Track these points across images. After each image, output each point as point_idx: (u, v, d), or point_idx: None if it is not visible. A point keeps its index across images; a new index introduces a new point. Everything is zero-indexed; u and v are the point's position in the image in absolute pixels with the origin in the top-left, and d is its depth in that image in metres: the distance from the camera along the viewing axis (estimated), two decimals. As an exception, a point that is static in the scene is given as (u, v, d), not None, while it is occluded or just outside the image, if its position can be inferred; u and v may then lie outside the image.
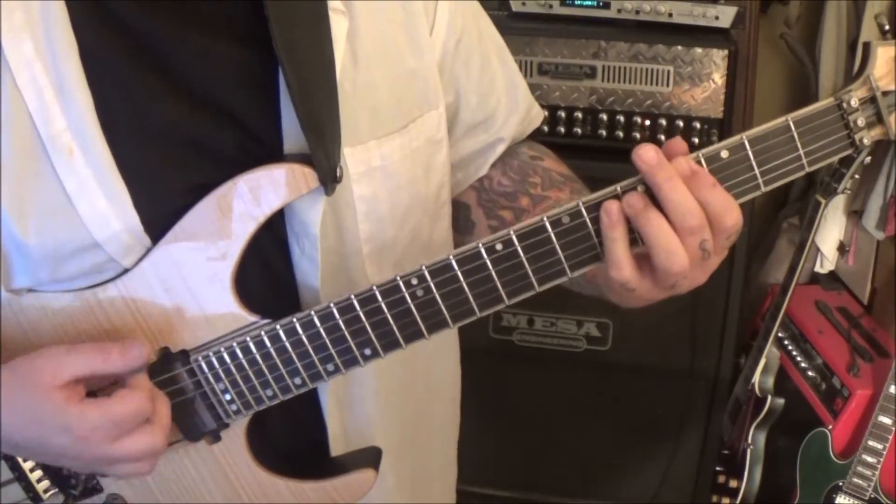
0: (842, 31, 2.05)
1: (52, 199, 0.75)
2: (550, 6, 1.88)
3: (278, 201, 0.79)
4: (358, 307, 0.78)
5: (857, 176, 1.76)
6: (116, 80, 0.76)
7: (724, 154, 0.74)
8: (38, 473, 0.86)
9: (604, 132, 1.87)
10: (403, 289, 0.77)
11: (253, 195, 0.78)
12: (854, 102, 0.74)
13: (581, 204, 0.74)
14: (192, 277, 0.80)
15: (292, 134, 0.80)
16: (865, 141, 0.77)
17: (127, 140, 0.76)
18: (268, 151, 0.80)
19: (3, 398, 0.74)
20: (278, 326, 0.80)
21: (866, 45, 0.76)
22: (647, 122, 1.85)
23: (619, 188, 0.74)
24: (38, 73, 0.73)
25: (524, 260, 0.76)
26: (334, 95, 0.81)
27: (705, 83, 1.82)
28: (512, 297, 0.77)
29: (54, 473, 0.86)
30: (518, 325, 2.05)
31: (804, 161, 0.75)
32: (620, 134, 1.86)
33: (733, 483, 1.97)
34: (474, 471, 2.13)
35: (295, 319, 0.80)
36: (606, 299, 0.85)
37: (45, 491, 0.87)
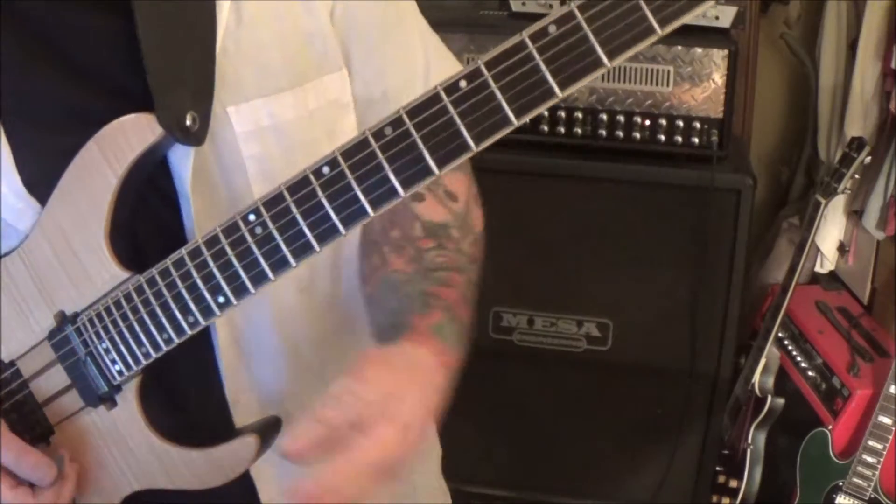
0: (842, 31, 2.05)
1: None
2: (550, 6, 1.88)
3: (131, 154, 0.80)
4: (204, 250, 0.78)
5: (857, 176, 1.76)
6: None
7: (552, 29, 0.69)
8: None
9: (604, 132, 1.87)
10: (241, 225, 0.76)
11: (110, 150, 0.80)
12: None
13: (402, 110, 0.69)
14: (73, 239, 0.83)
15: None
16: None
17: (10, 109, 0.79)
18: (140, 111, 0.81)
19: None
20: (141, 279, 0.81)
21: None
22: (647, 122, 1.85)
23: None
24: None
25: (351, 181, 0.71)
26: (209, 53, 0.82)
27: (705, 83, 1.82)
28: (347, 225, 0.73)
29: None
30: (518, 325, 2.05)
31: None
32: (620, 134, 1.86)
33: (733, 483, 1.97)
34: (474, 471, 2.13)
35: (154, 271, 0.80)
36: None
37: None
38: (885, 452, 1.66)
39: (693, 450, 2.08)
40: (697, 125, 1.84)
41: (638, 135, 1.85)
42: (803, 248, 1.81)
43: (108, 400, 0.86)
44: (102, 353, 0.84)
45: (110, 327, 0.83)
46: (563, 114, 1.87)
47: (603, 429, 2.11)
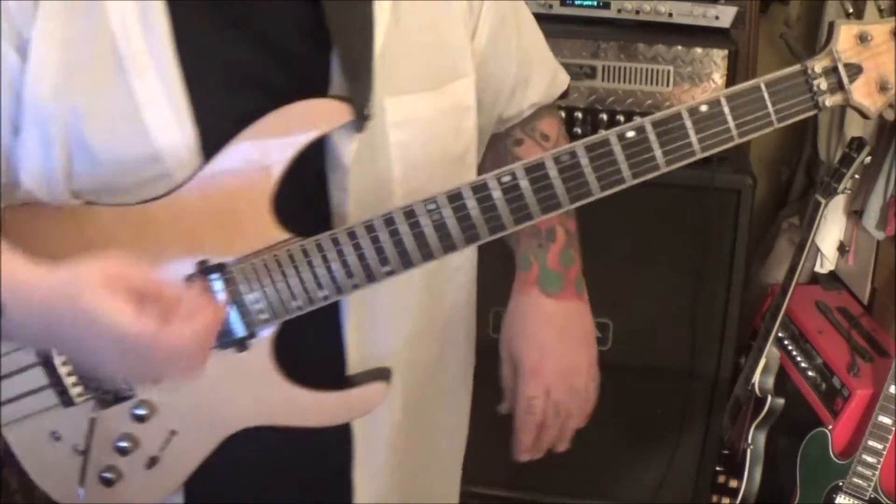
0: (842, 31, 2.05)
1: (124, 108, 0.86)
2: (550, 6, 1.88)
3: (316, 130, 0.90)
4: (380, 226, 0.89)
5: (857, 176, 1.76)
6: (193, 12, 0.87)
7: (704, 108, 0.87)
8: (74, 378, 0.94)
9: (603, 132, 1.87)
10: (416, 212, 0.89)
11: (297, 123, 0.89)
12: (818, 69, 0.87)
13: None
14: (236, 196, 0.89)
15: (338, 80, 0.92)
16: (827, 103, 0.87)
17: (194, 65, 0.87)
18: (315, 92, 0.91)
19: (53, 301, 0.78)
20: (306, 244, 0.90)
21: (831, 24, 0.89)
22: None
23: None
24: (128, 7, 0.85)
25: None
26: (370, 48, 0.93)
27: (705, 83, 1.82)
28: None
29: (88, 376, 0.93)
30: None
31: (773, 118, 0.88)
32: (620, 134, 1.86)
33: (733, 483, 1.97)
34: (474, 471, 2.13)
35: (321, 238, 0.89)
36: None
37: (79, 395, 0.94)
38: (885, 452, 1.66)
39: (693, 450, 2.08)
40: (697, 125, 1.84)
41: (638, 135, 1.85)
42: (803, 248, 1.81)
43: (240, 344, 0.92)
44: (252, 302, 0.91)
45: (266, 281, 0.90)
46: (563, 114, 1.87)
47: (603, 429, 2.10)
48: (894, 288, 1.94)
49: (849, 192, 1.84)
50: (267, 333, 0.93)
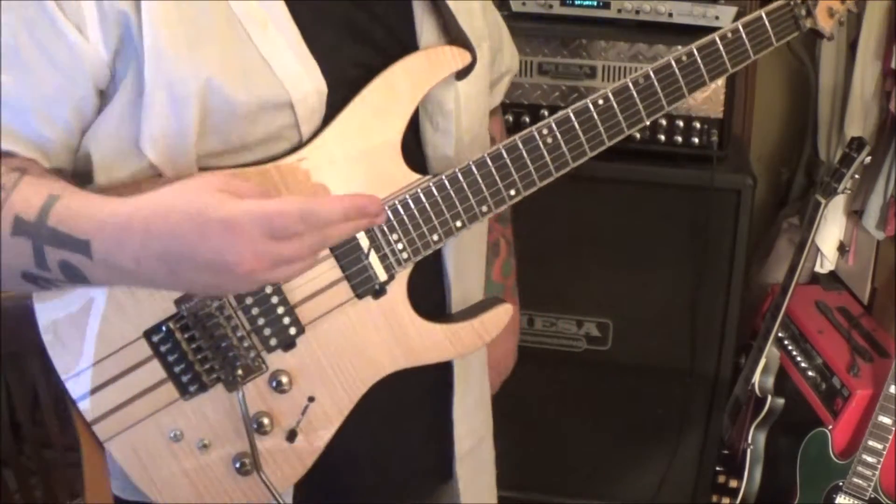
0: (842, 31, 2.05)
1: (253, 63, 0.88)
2: (550, 6, 1.88)
3: (440, 74, 0.98)
4: (505, 154, 0.98)
5: (857, 176, 1.76)
6: None
7: (729, 35, 1.07)
8: (201, 355, 0.92)
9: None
10: (537, 137, 0.99)
11: (420, 69, 0.97)
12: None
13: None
14: (368, 144, 0.94)
15: (426, 36, 1.00)
16: (807, 24, 1.11)
17: (307, 17, 0.91)
18: (406, 46, 0.99)
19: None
20: (444, 177, 0.96)
21: None
22: (647, 122, 1.85)
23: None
24: None
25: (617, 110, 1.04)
26: (449, 8, 1.01)
27: (705, 83, 1.82)
28: (612, 139, 1.05)
29: (220, 355, 0.92)
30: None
31: (773, 39, 1.09)
32: (620, 134, 1.86)
33: (733, 483, 1.97)
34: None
35: (457, 170, 0.97)
36: None
37: (210, 377, 0.92)
38: (885, 452, 1.66)
39: (693, 450, 2.08)
40: (697, 125, 1.84)
41: (638, 135, 1.85)
42: (803, 248, 1.81)
43: (379, 290, 0.97)
44: (392, 242, 0.96)
45: (406, 220, 0.96)
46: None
47: (603, 429, 2.11)
48: (894, 288, 1.94)
49: (849, 192, 1.84)
50: (404, 273, 0.98)
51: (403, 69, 0.96)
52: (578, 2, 1.87)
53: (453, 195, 0.97)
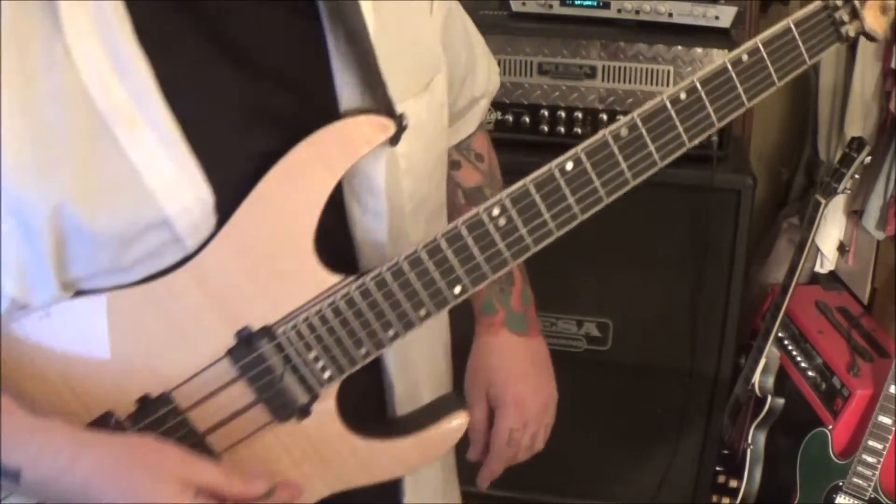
0: (842, 31, 2.05)
1: (118, 175, 0.72)
2: (550, 6, 1.88)
3: (355, 155, 0.79)
4: (445, 246, 0.79)
5: (857, 176, 1.76)
6: (173, 49, 0.74)
7: (745, 58, 0.82)
8: None
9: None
10: (487, 221, 0.80)
11: (329, 152, 0.78)
12: (839, 2, 0.85)
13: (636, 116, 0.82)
14: (271, 247, 0.78)
15: (346, 94, 0.81)
16: (850, 32, 0.86)
17: (189, 108, 0.74)
18: (324, 113, 0.80)
19: (106, 465, 0.74)
20: (368, 280, 0.79)
21: None
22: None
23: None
24: (93, 47, 0.70)
25: (593, 175, 0.82)
26: (374, 55, 0.82)
27: (705, 83, 1.82)
28: (585, 212, 0.84)
29: None
30: (518, 325, 2.05)
31: (805, 56, 0.84)
32: (620, 134, 1.87)
33: (733, 483, 1.97)
34: (474, 471, 2.13)
35: (384, 270, 0.80)
36: None
37: None
38: (885, 452, 1.66)
39: (693, 450, 2.08)
40: (697, 125, 1.84)
41: (638, 135, 1.85)
42: (803, 248, 1.81)
43: (303, 411, 0.83)
44: (310, 362, 0.81)
45: (324, 335, 0.80)
46: (562, 114, 1.87)
47: (603, 429, 2.11)
48: (894, 288, 1.94)
49: (849, 192, 1.84)
50: (331, 390, 0.84)
51: (307, 153, 0.77)
52: (578, 2, 1.87)
53: (381, 301, 0.80)
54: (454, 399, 0.95)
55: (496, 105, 1.88)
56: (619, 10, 1.85)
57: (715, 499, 1.99)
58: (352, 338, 0.81)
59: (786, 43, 0.83)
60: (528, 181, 0.79)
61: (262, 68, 0.78)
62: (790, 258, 1.86)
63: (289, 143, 0.77)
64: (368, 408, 0.93)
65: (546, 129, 1.88)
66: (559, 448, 2.15)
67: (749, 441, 1.93)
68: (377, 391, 0.94)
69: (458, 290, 0.81)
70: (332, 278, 0.80)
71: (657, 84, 1.83)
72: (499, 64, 1.86)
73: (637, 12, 1.84)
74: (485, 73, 1.09)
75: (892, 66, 1.85)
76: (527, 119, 1.88)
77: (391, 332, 0.82)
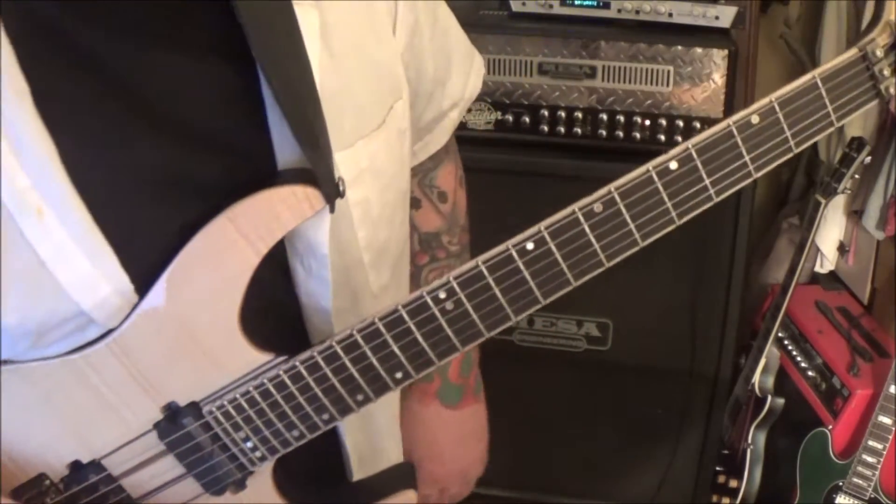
0: (842, 31, 2.05)
1: (27, 270, 0.65)
2: (550, 6, 1.88)
3: (280, 230, 0.70)
4: (384, 331, 0.72)
5: (857, 176, 1.76)
6: (79, 120, 0.65)
7: (755, 119, 0.70)
8: None
9: (604, 132, 1.87)
10: (432, 305, 0.71)
11: (252, 227, 0.69)
12: (879, 52, 0.70)
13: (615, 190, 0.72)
14: (194, 324, 0.72)
15: (285, 148, 0.71)
16: (891, 90, 0.72)
17: (101, 188, 0.66)
18: (261, 172, 0.71)
19: None
20: (298, 363, 0.73)
21: None
22: (647, 122, 1.85)
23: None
24: None
25: (558, 256, 0.72)
26: (318, 100, 0.72)
27: (705, 83, 1.82)
28: (548, 297, 0.73)
29: None
30: (518, 324, 2.05)
31: (833, 117, 0.71)
32: (620, 134, 1.86)
33: (733, 483, 1.97)
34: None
35: (315, 353, 0.73)
36: None
37: None
38: (885, 452, 1.66)
39: (693, 450, 2.08)
40: (697, 125, 1.84)
41: (638, 135, 1.85)
42: (803, 248, 1.81)
43: (238, 484, 0.79)
44: (239, 441, 0.76)
45: (253, 417, 0.75)
46: (562, 114, 1.87)
47: (603, 429, 2.11)
48: (894, 288, 1.94)
49: (849, 192, 1.84)
50: (267, 465, 0.79)
51: (226, 228, 0.69)
52: (578, 2, 1.87)
53: (314, 386, 0.73)
54: (405, 474, 0.91)
55: (496, 105, 1.89)
56: (619, 10, 1.85)
57: (715, 499, 1.99)
58: (283, 421, 0.75)
59: (809, 101, 0.70)
60: (479, 261, 0.70)
61: (186, 130, 0.68)
62: (790, 258, 1.86)
63: (220, 209, 0.69)
64: (326, 469, 0.89)
65: (546, 129, 1.88)
66: (559, 448, 2.16)
67: (749, 441, 1.93)
68: (336, 452, 0.88)
69: (399, 375, 0.74)
70: (261, 357, 0.74)
71: (657, 84, 1.83)
72: (499, 64, 1.87)
73: (637, 12, 1.84)
74: (460, 82, 0.98)
75: (892, 66, 1.85)
76: (527, 119, 1.88)
77: (325, 417, 0.76)
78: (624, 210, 0.70)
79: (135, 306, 0.70)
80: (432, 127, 0.98)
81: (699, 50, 1.79)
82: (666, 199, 0.70)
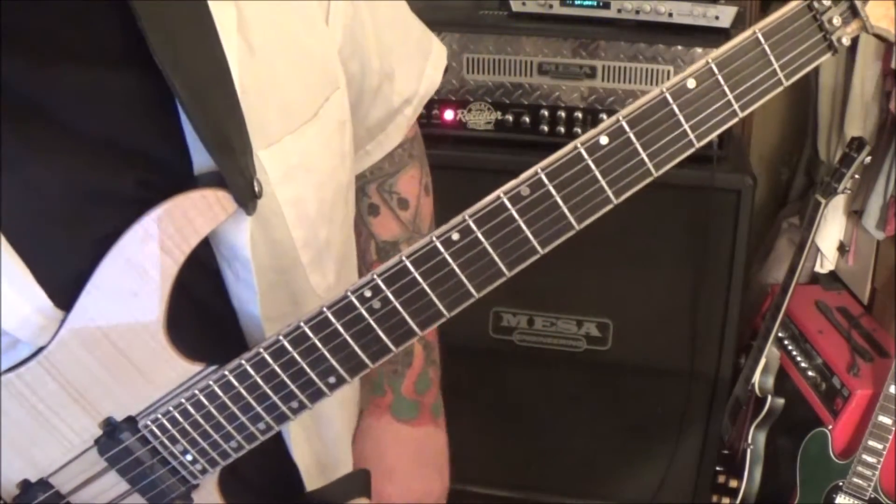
0: (842, 31, 2.05)
1: None
2: (550, 6, 1.88)
3: (195, 236, 0.69)
4: (311, 334, 0.70)
5: (857, 176, 1.76)
6: None
7: (691, 84, 0.65)
8: None
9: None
10: (358, 305, 0.68)
11: (166, 235, 0.68)
12: (826, 0, 0.64)
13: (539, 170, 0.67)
14: (120, 338, 0.71)
15: (201, 153, 0.69)
16: (844, 40, 0.65)
17: (12, 209, 0.65)
18: (177, 180, 0.69)
19: None
20: (227, 372, 0.72)
21: None
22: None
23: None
24: None
25: (487, 246, 0.67)
26: (234, 98, 0.70)
27: (705, 83, 1.82)
28: (481, 289, 0.69)
29: None
30: (518, 325, 2.05)
31: (780, 75, 0.65)
32: (620, 134, 1.87)
33: (733, 483, 1.97)
34: (474, 471, 2.13)
35: (244, 361, 0.71)
36: None
37: None
38: (885, 452, 1.66)
39: (693, 450, 2.08)
40: (697, 125, 1.84)
41: (638, 135, 1.86)
42: (803, 248, 1.81)
43: (184, 498, 0.78)
44: (178, 454, 0.75)
45: (189, 429, 0.74)
46: (562, 114, 1.87)
47: (603, 429, 2.11)
48: (894, 288, 1.94)
49: (849, 192, 1.84)
50: (211, 478, 0.78)
51: (139, 237, 0.68)
52: (578, 2, 1.87)
53: (246, 394, 0.72)
54: (360, 482, 0.89)
55: (496, 105, 1.89)
56: (619, 10, 1.85)
57: (715, 499, 1.99)
58: (219, 431, 0.74)
59: (752, 59, 0.64)
60: (403, 255, 0.67)
61: (97, 144, 0.67)
62: (790, 258, 1.86)
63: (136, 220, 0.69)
64: (281, 481, 0.86)
65: (546, 129, 1.88)
66: (559, 448, 2.16)
67: (749, 441, 1.93)
68: (290, 462, 0.86)
69: (332, 380, 0.71)
70: (192, 368, 0.73)
71: (657, 84, 1.83)
72: (499, 64, 1.88)
73: (637, 12, 1.84)
74: (412, 76, 0.94)
75: (893, 66, 1.85)
76: (527, 119, 1.88)
77: (261, 426, 0.74)
78: (554, 191, 0.65)
79: (61, 323, 0.69)
80: (385, 125, 0.95)
81: (699, 50, 1.79)
82: (599, 176, 0.65)
